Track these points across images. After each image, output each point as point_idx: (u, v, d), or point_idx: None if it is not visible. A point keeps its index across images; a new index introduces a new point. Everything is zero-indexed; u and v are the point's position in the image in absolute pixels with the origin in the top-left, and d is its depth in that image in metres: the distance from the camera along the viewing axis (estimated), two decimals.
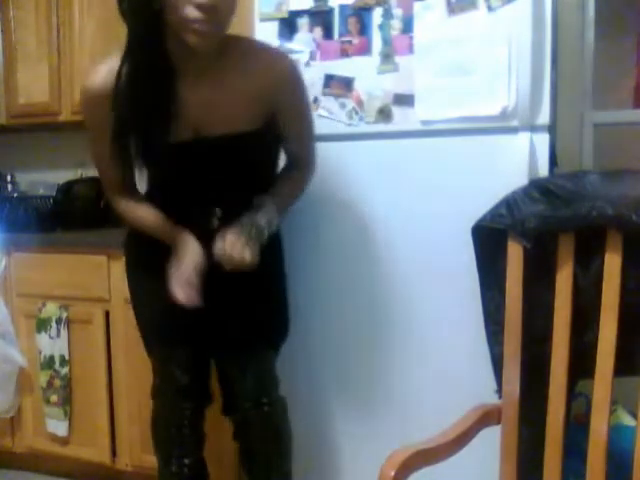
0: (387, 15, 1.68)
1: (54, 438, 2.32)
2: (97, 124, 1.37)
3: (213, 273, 1.39)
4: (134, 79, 1.27)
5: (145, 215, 1.46)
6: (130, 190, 1.49)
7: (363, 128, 1.73)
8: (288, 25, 1.77)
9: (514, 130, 1.58)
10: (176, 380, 1.54)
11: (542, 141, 1.58)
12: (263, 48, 1.43)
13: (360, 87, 1.72)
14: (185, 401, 1.55)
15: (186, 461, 1.57)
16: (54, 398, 2.29)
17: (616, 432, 1.41)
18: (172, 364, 1.54)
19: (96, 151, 1.43)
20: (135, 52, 1.27)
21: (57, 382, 2.28)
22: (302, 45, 1.76)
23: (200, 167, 1.39)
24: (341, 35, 1.73)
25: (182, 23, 1.19)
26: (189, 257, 1.35)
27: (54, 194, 2.49)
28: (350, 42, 1.72)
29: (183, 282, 1.31)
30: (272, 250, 1.50)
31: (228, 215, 1.41)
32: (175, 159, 1.38)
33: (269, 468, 1.61)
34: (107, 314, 2.20)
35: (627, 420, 1.60)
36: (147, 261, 1.52)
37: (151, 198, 1.49)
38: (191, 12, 1.17)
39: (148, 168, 1.43)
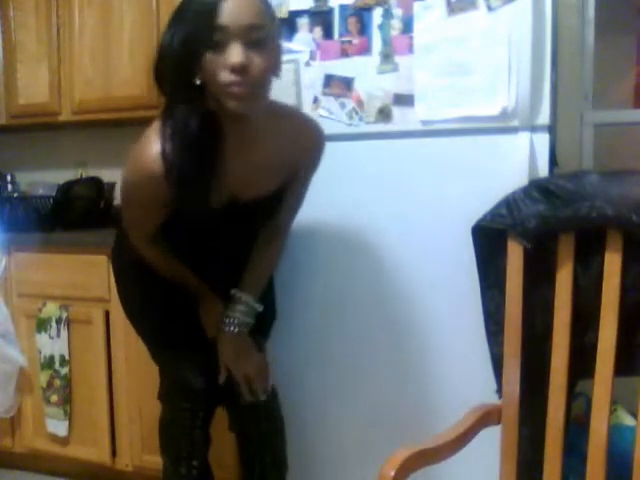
0: (387, 15, 1.68)
1: (54, 438, 2.32)
2: (149, 202, 1.30)
3: (213, 275, 1.48)
4: (185, 157, 1.23)
5: (175, 263, 1.46)
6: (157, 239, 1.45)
7: (363, 128, 1.73)
8: (288, 25, 1.77)
9: (514, 130, 1.58)
10: (190, 383, 1.54)
11: (542, 141, 1.58)
12: (296, 114, 1.48)
13: (360, 87, 1.72)
14: (198, 404, 1.55)
15: (195, 463, 1.57)
16: (54, 398, 2.29)
17: (616, 432, 1.41)
18: (186, 368, 1.54)
19: (138, 219, 1.39)
20: (183, 131, 1.22)
21: (57, 382, 2.28)
22: (302, 45, 1.76)
23: (226, 229, 1.40)
24: (341, 35, 1.73)
25: (220, 89, 1.19)
26: (214, 318, 1.51)
27: (54, 194, 2.48)
28: (350, 42, 1.72)
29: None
30: None
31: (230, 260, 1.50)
32: (206, 223, 1.36)
33: (263, 453, 1.63)
34: (107, 314, 2.20)
35: (627, 420, 1.60)
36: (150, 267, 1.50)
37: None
38: (226, 76, 1.17)
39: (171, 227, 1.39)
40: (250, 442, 1.65)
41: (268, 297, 1.63)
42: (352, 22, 1.71)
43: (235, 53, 1.16)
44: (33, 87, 2.65)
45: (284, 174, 1.41)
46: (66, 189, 2.48)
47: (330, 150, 1.75)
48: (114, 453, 2.24)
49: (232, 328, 1.47)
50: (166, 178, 1.23)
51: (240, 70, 1.16)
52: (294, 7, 1.76)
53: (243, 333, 1.49)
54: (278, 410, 1.66)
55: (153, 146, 1.24)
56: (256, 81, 1.20)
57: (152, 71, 1.24)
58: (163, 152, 1.22)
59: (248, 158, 1.33)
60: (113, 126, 2.64)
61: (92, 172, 2.72)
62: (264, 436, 1.64)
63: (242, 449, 1.67)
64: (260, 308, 1.51)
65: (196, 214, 1.31)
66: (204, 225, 1.37)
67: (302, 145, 1.41)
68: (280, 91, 1.76)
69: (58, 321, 2.25)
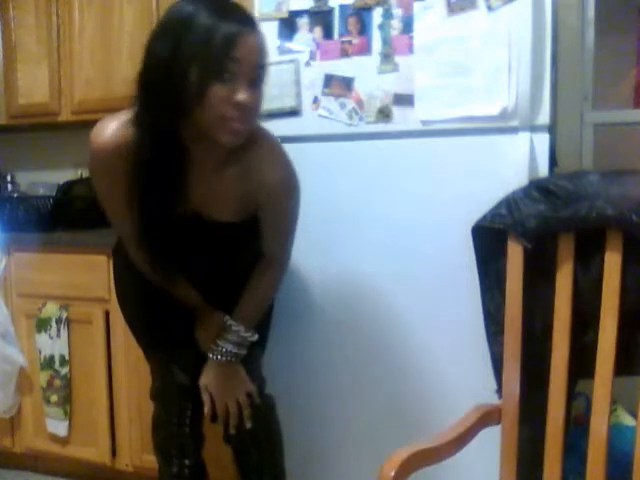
0: (387, 15, 1.68)
1: (54, 438, 2.32)
2: (104, 178, 1.35)
3: (212, 278, 1.48)
4: (147, 158, 1.26)
5: (164, 272, 1.45)
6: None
7: (363, 128, 1.73)
8: (288, 25, 1.77)
9: (514, 130, 1.58)
10: (177, 381, 1.54)
11: (542, 141, 1.58)
12: (270, 155, 1.37)
13: (360, 87, 1.72)
14: (186, 402, 1.55)
15: (186, 462, 1.57)
16: (54, 398, 2.29)
17: (616, 432, 1.41)
18: (173, 365, 1.54)
19: (107, 206, 1.44)
20: (150, 138, 1.24)
21: (57, 382, 2.28)
22: (302, 45, 1.76)
23: (192, 240, 1.40)
24: (341, 35, 1.73)
25: (218, 122, 1.19)
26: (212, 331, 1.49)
27: (54, 194, 2.49)
28: (350, 42, 1.72)
29: None
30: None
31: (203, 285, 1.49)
32: (170, 229, 1.37)
33: (261, 466, 1.62)
34: (107, 314, 2.20)
35: (627, 420, 1.60)
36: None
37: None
38: (229, 111, 1.18)
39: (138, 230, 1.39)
40: (247, 456, 1.63)
41: (267, 311, 1.62)
42: (352, 22, 1.71)
43: (244, 91, 1.17)
44: (33, 87, 2.65)
45: (250, 207, 1.39)
46: (66, 189, 2.48)
47: (330, 150, 1.77)
48: (114, 453, 2.24)
49: (219, 357, 1.45)
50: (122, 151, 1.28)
51: (244, 108, 1.18)
52: (294, 7, 1.76)
53: (232, 363, 1.47)
54: (275, 422, 1.64)
55: (113, 122, 1.34)
56: (254, 118, 1.24)
57: (139, 76, 1.21)
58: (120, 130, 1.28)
59: (212, 179, 1.34)
60: None
61: None
62: (262, 450, 1.61)
63: (239, 461, 1.65)
64: (254, 338, 1.48)
65: (156, 215, 1.32)
66: (174, 232, 1.37)
67: (267, 188, 1.36)
68: (280, 91, 1.78)
69: (58, 321, 2.25)
